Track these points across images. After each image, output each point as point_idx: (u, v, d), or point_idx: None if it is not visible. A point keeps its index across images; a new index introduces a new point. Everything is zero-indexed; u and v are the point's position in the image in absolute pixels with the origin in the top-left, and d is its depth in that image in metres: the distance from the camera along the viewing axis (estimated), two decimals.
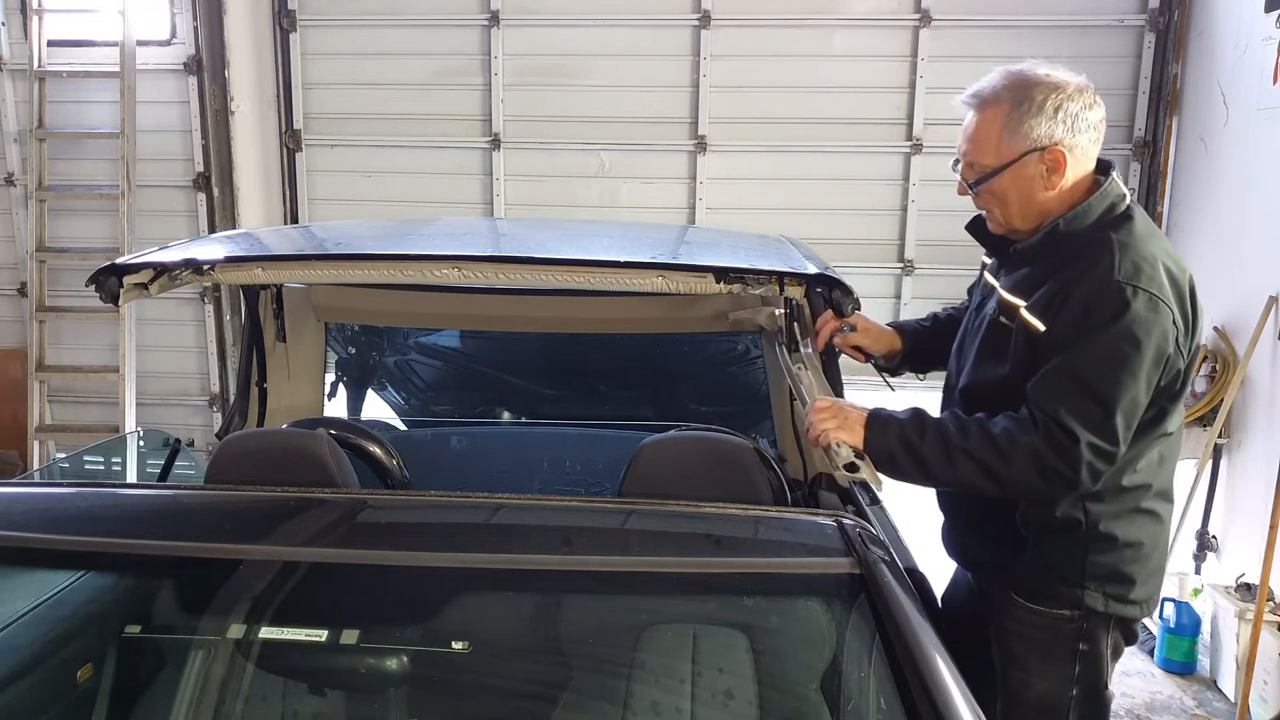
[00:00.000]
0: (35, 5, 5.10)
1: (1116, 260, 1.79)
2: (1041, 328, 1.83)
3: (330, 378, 3.36)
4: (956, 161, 2.00)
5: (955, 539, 2.20)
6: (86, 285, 2.03)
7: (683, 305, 2.93)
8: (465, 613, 1.64)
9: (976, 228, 2.11)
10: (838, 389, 2.37)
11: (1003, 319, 1.93)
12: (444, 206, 5.30)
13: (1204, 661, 3.99)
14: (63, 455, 5.25)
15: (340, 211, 5.41)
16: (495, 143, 5.23)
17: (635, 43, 5.08)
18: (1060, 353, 1.80)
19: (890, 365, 2.39)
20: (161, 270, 2.04)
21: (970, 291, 2.28)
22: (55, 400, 5.54)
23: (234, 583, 1.58)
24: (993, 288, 2.03)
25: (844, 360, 2.51)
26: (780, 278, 1.99)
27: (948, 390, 2.20)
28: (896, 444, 1.86)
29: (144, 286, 2.04)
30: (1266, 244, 3.97)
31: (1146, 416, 1.84)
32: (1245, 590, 3.77)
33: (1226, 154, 4.35)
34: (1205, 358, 4.19)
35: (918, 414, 1.90)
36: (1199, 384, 4.16)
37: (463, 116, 5.26)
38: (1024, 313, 1.87)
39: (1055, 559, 1.94)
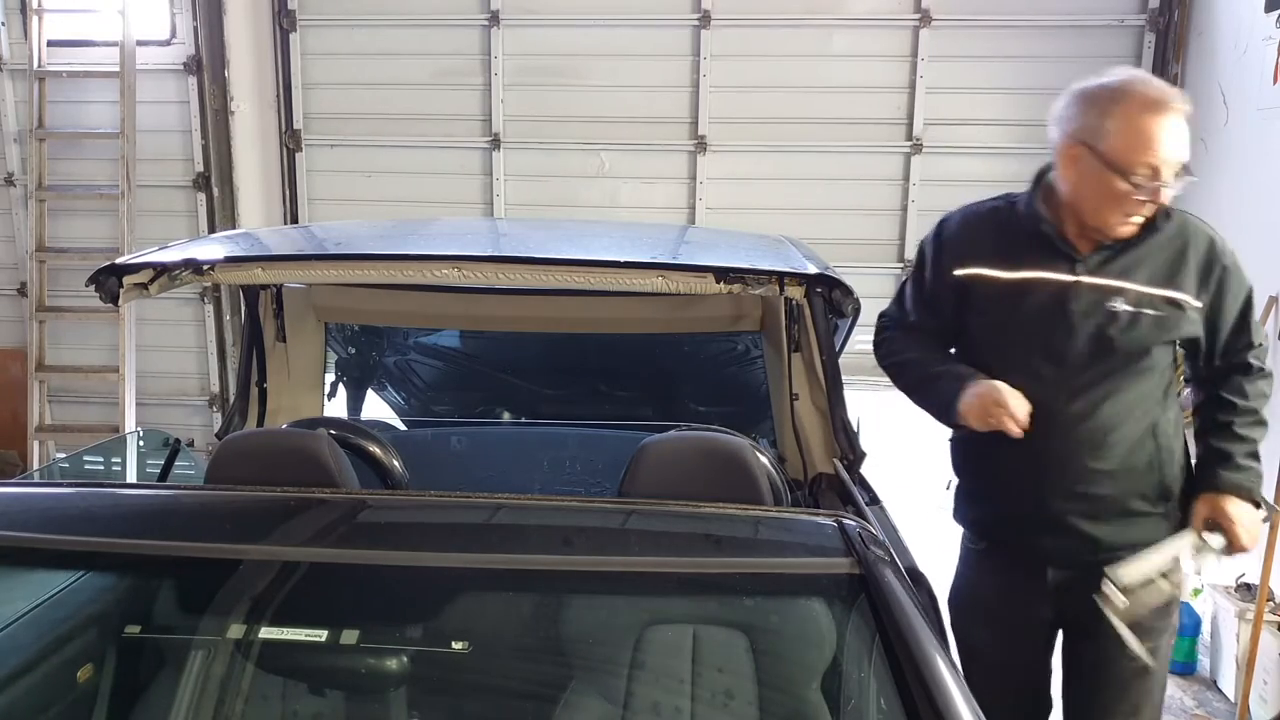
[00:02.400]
0: (35, 5, 5.10)
1: (1210, 228, 2.13)
2: (1198, 304, 2.09)
3: (330, 378, 3.36)
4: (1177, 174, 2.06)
5: (1066, 537, 2.17)
6: (86, 285, 2.03)
7: (683, 305, 2.93)
8: (465, 613, 1.64)
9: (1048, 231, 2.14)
10: (838, 390, 2.37)
11: (1146, 310, 2.07)
12: (444, 206, 5.30)
13: (1204, 661, 3.99)
14: (63, 455, 5.25)
15: (340, 211, 5.41)
16: (495, 143, 5.23)
17: (635, 43, 5.09)
18: (1225, 309, 2.11)
19: None
20: (161, 270, 2.04)
21: (960, 304, 2.23)
22: (55, 400, 5.55)
23: (234, 583, 1.58)
24: (1073, 280, 2.09)
25: (844, 360, 2.51)
26: (780, 278, 1.99)
27: (1056, 413, 2.10)
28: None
29: (144, 286, 2.04)
30: (1266, 244, 3.97)
31: None
32: (1245, 590, 3.77)
33: (1226, 154, 4.35)
34: None
35: (1235, 444, 2.14)
36: None
37: (463, 116, 5.26)
38: (1181, 296, 2.08)
39: (1180, 513, 2.19)
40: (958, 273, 2.22)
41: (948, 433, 2.36)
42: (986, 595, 2.32)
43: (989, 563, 2.32)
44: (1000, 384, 2.06)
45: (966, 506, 2.36)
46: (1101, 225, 2.06)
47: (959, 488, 2.38)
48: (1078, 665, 2.27)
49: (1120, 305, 2.07)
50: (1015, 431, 2.02)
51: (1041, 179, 2.17)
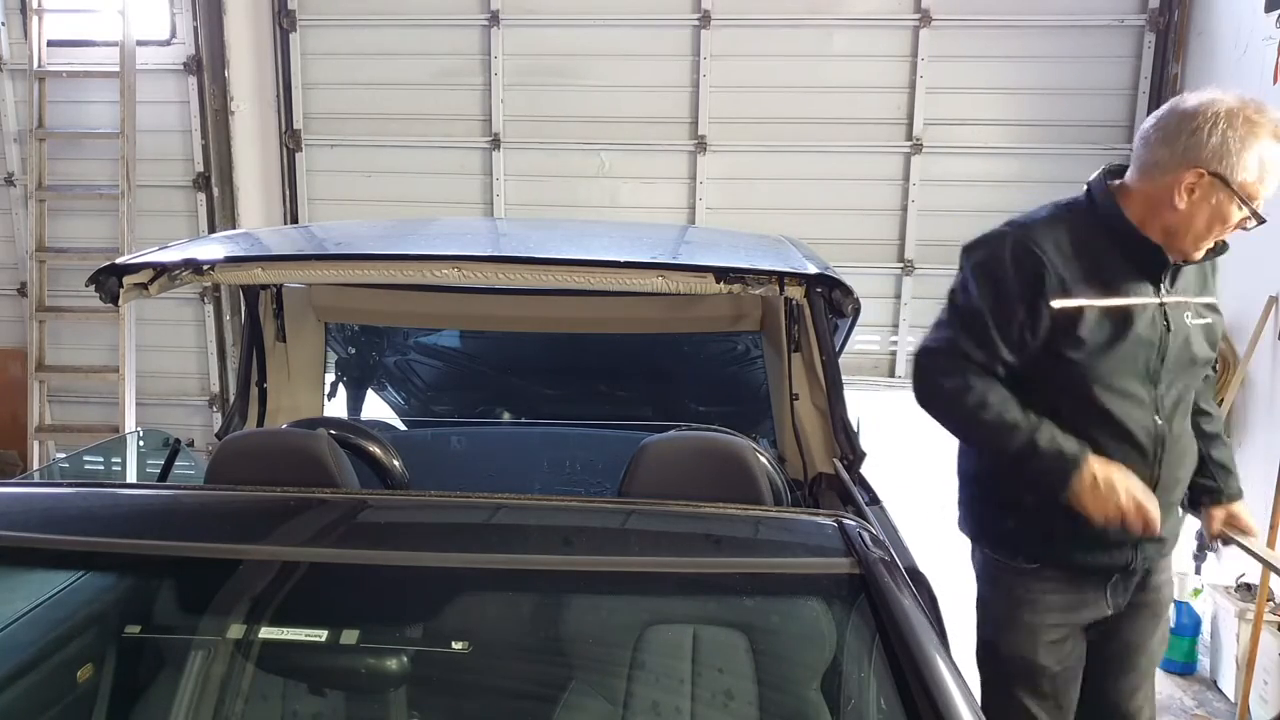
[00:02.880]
0: (35, 5, 5.10)
1: None
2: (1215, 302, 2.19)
3: (330, 378, 3.36)
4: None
5: (1146, 545, 2.17)
6: (86, 285, 2.03)
7: (683, 305, 2.93)
8: (465, 613, 1.64)
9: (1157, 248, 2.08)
10: (838, 390, 2.37)
11: (1202, 320, 2.13)
12: (444, 206, 5.30)
13: (1204, 661, 3.99)
14: (63, 455, 5.25)
15: (340, 211, 5.41)
16: (495, 143, 5.24)
17: (635, 43, 5.09)
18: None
19: None
20: (161, 270, 2.04)
21: (1060, 332, 2.05)
22: (55, 400, 5.54)
23: (234, 583, 1.58)
24: (1159, 301, 2.08)
25: (844, 359, 2.51)
26: (780, 278, 1.99)
27: (1158, 436, 2.09)
28: None
29: (144, 286, 2.04)
30: (1266, 244, 3.96)
31: None
32: (1245, 590, 3.77)
33: None
34: None
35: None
36: None
37: (463, 116, 5.26)
38: (1214, 299, 2.16)
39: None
40: (1057, 304, 2.02)
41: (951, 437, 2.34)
42: (1048, 611, 2.20)
43: (1045, 581, 2.20)
44: (1134, 477, 2.00)
45: (1033, 536, 2.19)
46: (1193, 248, 2.03)
47: (1011, 516, 2.21)
48: (1114, 643, 2.30)
49: (1190, 319, 2.10)
50: (1138, 531, 2.01)
51: (1107, 188, 2.09)
